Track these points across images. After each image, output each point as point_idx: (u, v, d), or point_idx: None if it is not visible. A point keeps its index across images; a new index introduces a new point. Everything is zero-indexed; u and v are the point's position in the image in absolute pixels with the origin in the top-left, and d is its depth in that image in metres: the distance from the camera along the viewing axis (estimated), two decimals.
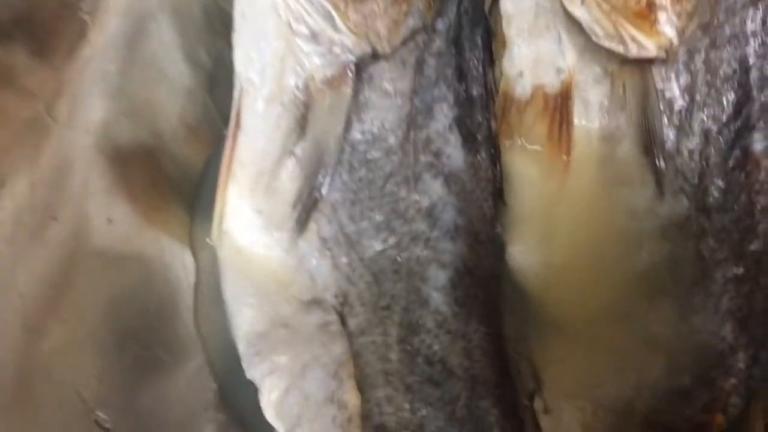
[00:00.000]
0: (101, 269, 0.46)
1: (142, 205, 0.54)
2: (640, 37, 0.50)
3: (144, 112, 0.58)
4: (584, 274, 0.54)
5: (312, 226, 0.51)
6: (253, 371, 0.47)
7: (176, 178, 0.59)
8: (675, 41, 0.51)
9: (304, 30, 0.50)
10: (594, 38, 0.51)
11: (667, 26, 0.50)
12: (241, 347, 0.48)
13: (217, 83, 0.60)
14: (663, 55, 0.52)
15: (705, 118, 0.54)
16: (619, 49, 0.51)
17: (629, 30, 0.50)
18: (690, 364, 0.50)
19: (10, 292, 0.40)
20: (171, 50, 0.60)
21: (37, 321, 0.40)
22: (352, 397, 0.45)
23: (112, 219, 0.49)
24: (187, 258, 0.55)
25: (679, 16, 0.50)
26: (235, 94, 0.51)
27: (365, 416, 0.45)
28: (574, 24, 0.52)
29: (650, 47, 0.51)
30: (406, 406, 0.46)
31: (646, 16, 0.50)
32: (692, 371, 0.50)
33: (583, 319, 0.52)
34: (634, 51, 0.51)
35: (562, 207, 0.56)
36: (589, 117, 0.56)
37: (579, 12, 0.50)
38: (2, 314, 0.39)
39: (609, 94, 0.55)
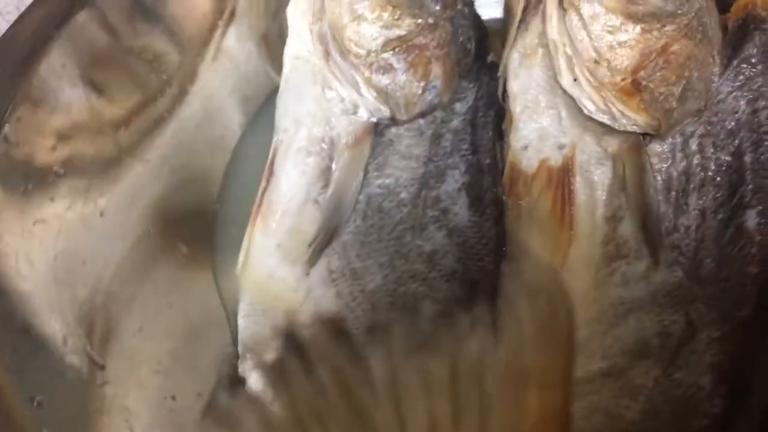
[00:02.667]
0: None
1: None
2: (628, 112, 0.56)
3: (201, 181, 0.68)
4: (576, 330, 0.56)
5: (323, 260, 0.57)
6: (243, 366, 0.52)
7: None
8: (664, 121, 0.56)
9: (334, 95, 0.59)
10: (586, 112, 0.57)
11: (654, 105, 0.56)
12: (240, 350, 0.54)
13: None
14: (653, 132, 0.57)
15: (701, 198, 0.58)
16: (611, 122, 0.57)
17: (617, 105, 0.56)
18: (667, 410, 0.49)
19: (49, 253, 0.48)
20: (235, 129, 0.72)
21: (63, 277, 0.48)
22: None
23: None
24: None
25: (665, 98, 0.56)
26: (273, 143, 0.60)
27: None
28: (573, 103, 0.58)
29: (640, 122, 0.56)
30: None
31: (631, 93, 0.55)
32: (668, 415, 0.49)
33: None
34: (623, 124, 0.56)
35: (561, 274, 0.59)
36: (593, 197, 0.60)
37: (572, 89, 0.57)
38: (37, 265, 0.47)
39: (610, 175, 0.60)
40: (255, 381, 0.51)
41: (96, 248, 0.51)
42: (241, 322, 0.56)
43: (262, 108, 0.67)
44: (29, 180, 0.48)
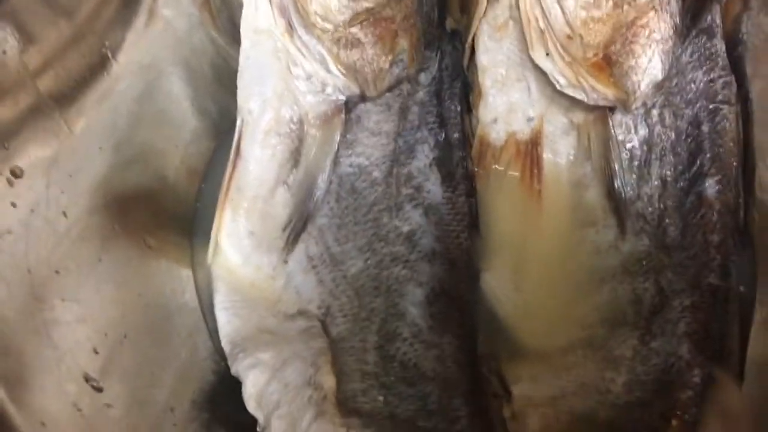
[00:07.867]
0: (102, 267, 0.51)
1: (141, 234, 0.58)
2: (599, 86, 0.56)
3: (150, 158, 0.63)
4: (552, 303, 0.58)
5: (300, 246, 0.56)
6: (237, 366, 0.50)
7: (176, 211, 0.64)
8: (632, 94, 0.57)
9: (300, 72, 0.56)
10: (558, 86, 0.57)
11: (623, 79, 0.57)
12: (227, 348, 0.51)
13: (221, 130, 0.66)
14: (621, 106, 0.58)
15: (662, 167, 0.60)
16: (581, 96, 0.57)
17: (588, 80, 0.56)
18: (650, 380, 0.52)
19: (22, 268, 0.44)
20: (180, 101, 0.67)
21: (43, 293, 0.44)
22: (328, 380, 0.48)
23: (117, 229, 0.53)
24: (184, 276, 0.59)
25: (634, 71, 0.57)
26: (237, 124, 0.57)
27: (341, 401, 0.48)
28: (542, 76, 0.58)
29: (609, 96, 0.57)
30: (380, 398, 0.49)
31: (603, 68, 0.56)
32: (651, 386, 0.52)
33: (550, 343, 0.55)
34: (593, 98, 0.57)
35: (533, 244, 0.60)
36: (559, 165, 0.61)
37: (544, 63, 0.57)
38: (12, 285, 0.43)
39: (576, 144, 0.61)
40: (254, 381, 0.49)
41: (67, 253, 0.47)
42: (220, 315, 0.54)
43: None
44: None
